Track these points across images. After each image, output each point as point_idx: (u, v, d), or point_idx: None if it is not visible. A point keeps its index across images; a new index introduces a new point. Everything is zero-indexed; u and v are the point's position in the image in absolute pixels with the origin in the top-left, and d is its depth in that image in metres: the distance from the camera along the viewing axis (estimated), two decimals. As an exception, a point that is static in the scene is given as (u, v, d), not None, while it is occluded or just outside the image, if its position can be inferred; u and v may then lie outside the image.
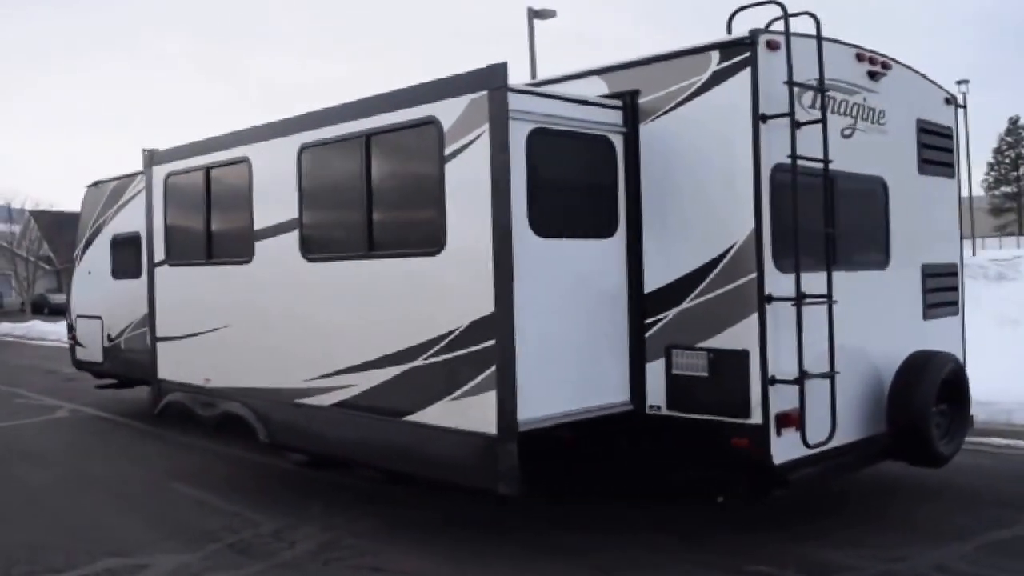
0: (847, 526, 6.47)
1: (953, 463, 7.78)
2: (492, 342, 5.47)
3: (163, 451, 9.95)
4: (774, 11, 5.85)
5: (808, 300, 5.77)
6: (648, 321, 6.15)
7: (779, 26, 5.77)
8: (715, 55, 5.76)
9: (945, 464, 6.68)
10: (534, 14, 23.22)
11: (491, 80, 5.43)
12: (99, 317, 12.30)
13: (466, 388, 5.65)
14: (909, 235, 7.02)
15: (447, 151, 5.69)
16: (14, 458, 9.84)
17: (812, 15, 5.85)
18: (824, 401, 5.84)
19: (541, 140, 5.71)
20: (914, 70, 7.26)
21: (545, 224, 5.74)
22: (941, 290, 7.45)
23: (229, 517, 7.16)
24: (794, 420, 5.67)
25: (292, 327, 7.07)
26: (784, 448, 5.64)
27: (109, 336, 12.08)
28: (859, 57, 6.54)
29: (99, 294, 12.31)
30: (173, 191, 8.39)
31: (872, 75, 6.62)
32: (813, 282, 5.82)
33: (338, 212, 6.66)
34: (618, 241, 6.17)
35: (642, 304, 6.17)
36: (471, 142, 5.54)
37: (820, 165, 5.88)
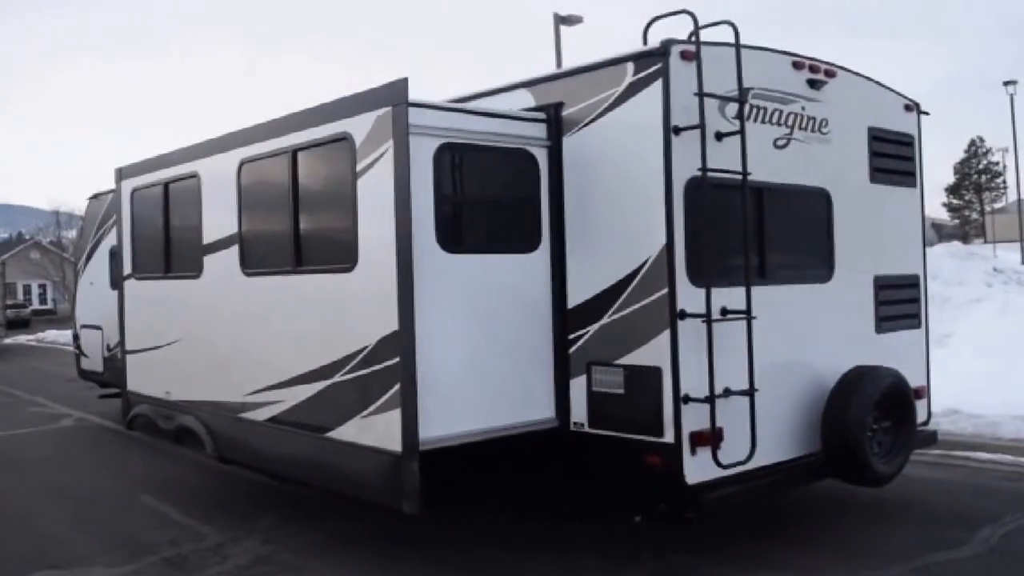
0: (787, 546, 6.32)
1: (922, 479, 7.58)
2: (397, 359, 5.44)
3: (145, 461, 10.10)
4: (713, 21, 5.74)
5: (729, 316, 5.65)
6: (572, 337, 6.06)
7: (714, 35, 5.67)
8: (630, 66, 5.67)
9: (886, 482, 6.47)
10: (560, 20, 23.17)
11: (393, 96, 5.41)
12: (99, 327, 12.58)
13: (376, 405, 5.63)
14: (858, 246, 6.81)
15: (359, 167, 5.69)
16: (15, 464, 10.10)
17: (731, 24, 5.71)
18: (745, 419, 5.70)
19: (451, 155, 5.68)
20: (866, 77, 7.06)
21: (456, 240, 5.70)
22: (898, 302, 7.21)
23: (180, 530, 7.25)
24: (709, 439, 5.53)
25: (235, 342, 7.14)
26: (698, 468, 5.50)
27: (108, 346, 12.34)
28: (797, 65, 6.38)
29: (99, 304, 12.57)
30: (138, 205, 8.55)
31: (813, 83, 6.45)
32: (737, 297, 5.70)
33: (271, 227, 6.71)
34: (542, 255, 6.09)
35: (566, 320, 6.09)
36: (378, 158, 5.53)
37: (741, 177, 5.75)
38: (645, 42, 5.69)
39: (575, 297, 6.04)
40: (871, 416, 6.24)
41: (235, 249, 6.99)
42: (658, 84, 5.51)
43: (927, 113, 7.60)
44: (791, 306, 6.25)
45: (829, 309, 6.56)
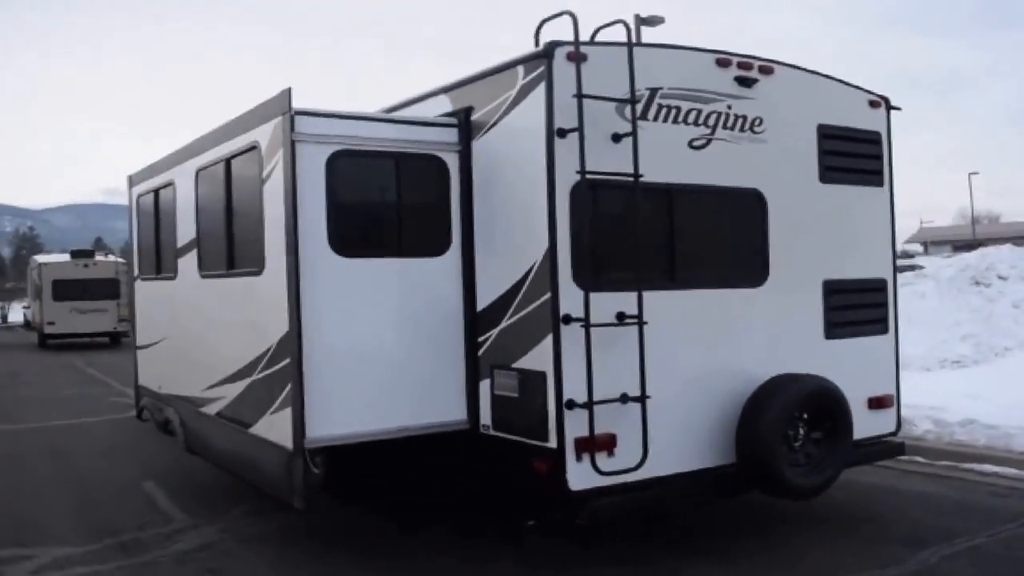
0: (723, 562, 6.10)
1: (903, 491, 7.45)
2: (288, 360, 5.65)
3: (174, 452, 10.69)
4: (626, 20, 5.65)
5: (626, 321, 5.56)
6: (480, 340, 6.11)
7: (618, 34, 5.59)
8: (521, 69, 5.66)
9: (809, 496, 6.21)
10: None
11: (282, 106, 5.62)
12: None
13: (277, 403, 5.86)
14: (802, 249, 6.54)
15: (263, 174, 5.93)
16: (44, 454, 10.91)
17: (624, 23, 5.61)
18: (640, 427, 5.59)
19: (346, 162, 5.81)
20: (817, 73, 6.76)
21: (352, 244, 5.83)
22: (856, 307, 6.87)
23: (155, 516, 7.67)
24: (599, 445, 5.46)
25: (196, 339, 7.54)
26: (584, 474, 5.44)
27: None
28: (722, 63, 6.18)
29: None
30: (140, 210, 9.12)
31: (743, 81, 6.24)
32: (634, 301, 5.60)
33: (215, 231, 7.04)
34: (452, 259, 6.15)
35: (476, 323, 6.13)
36: (275, 166, 5.75)
37: (649, 181, 5.64)
38: (537, 44, 5.66)
39: (483, 300, 6.08)
40: (788, 426, 5.99)
41: (195, 252, 7.38)
42: (542, 87, 5.49)
43: (898, 108, 7.19)
44: (708, 311, 6.07)
45: (760, 314, 6.33)
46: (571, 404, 5.41)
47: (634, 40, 5.86)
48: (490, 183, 5.99)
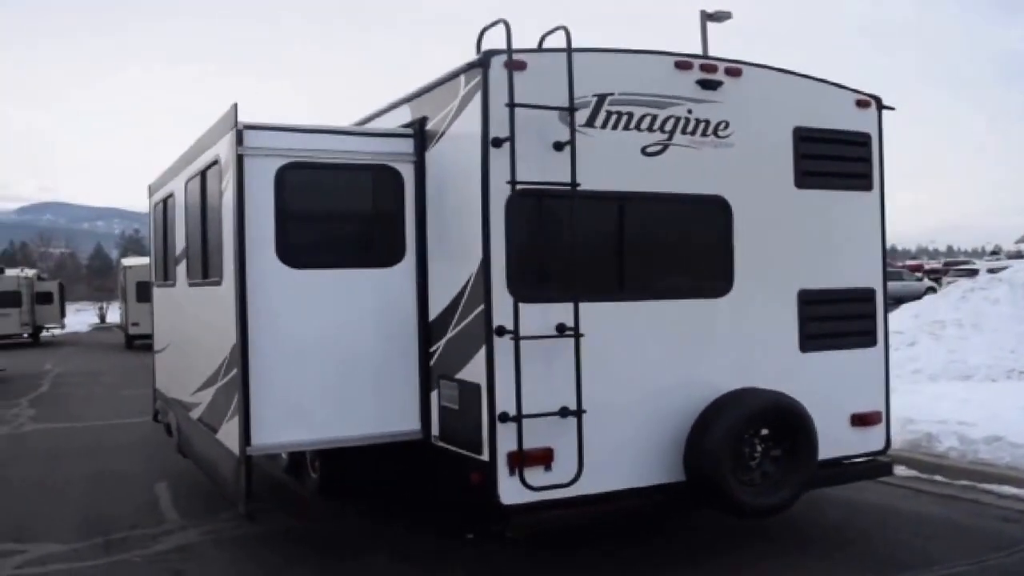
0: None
1: (905, 512, 7.23)
2: (237, 369, 5.76)
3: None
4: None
5: (567, 333, 5.46)
6: (432, 350, 6.09)
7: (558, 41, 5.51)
8: (463, 79, 5.63)
9: (763, 516, 5.96)
10: (708, 17, 22.51)
11: (231, 121, 5.73)
12: None
13: (231, 410, 5.98)
14: (774, 257, 6.29)
15: (222, 186, 6.06)
16: (82, 451, 11.38)
17: (565, 29, 5.50)
18: (590, 441, 5.47)
19: (296, 174, 5.89)
20: (795, 73, 6.48)
21: (302, 256, 5.91)
22: (838, 319, 6.56)
23: (150, 515, 7.91)
24: (533, 459, 5.37)
25: (186, 345, 7.77)
26: (516, 489, 5.36)
27: None
28: (682, 66, 6.00)
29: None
30: (155, 218, 9.45)
31: (706, 84, 6.04)
32: (583, 313, 5.48)
33: (196, 241, 7.23)
34: (406, 269, 6.16)
35: (429, 333, 6.12)
36: (229, 179, 5.87)
37: (586, 189, 5.52)
38: (478, 51, 5.60)
39: (434, 310, 6.07)
40: (741, 443, 5.76)
41: (185, 261, 7.61)
42: (479, 96, 5.43)
43: (891, 108, 6.83)
44: (663, 323, 5.89)
45: (724, 326, 6.10)
46: (504, 417, 5.33)
47: (597, 45, 5.77)
48: (440, 193, 5.98)
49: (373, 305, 6.09)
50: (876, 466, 6.72)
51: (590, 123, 5.65)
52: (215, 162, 6.25)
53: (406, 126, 6.26)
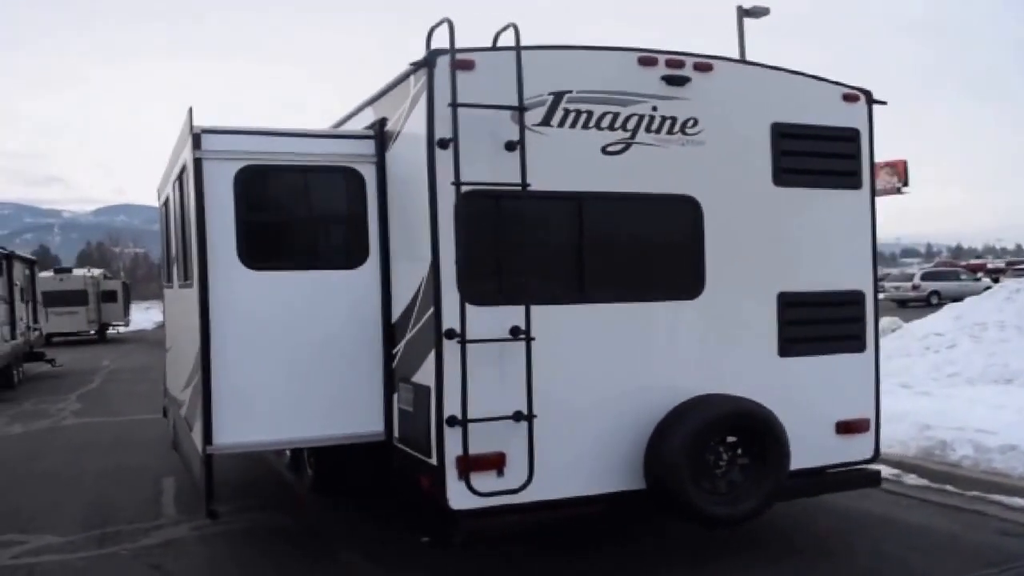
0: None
1: (898, 522, 7.01)
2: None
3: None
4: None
5: (520, 336, 5.37)
6: (394, 351, 6.06)
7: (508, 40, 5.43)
8: (412, 79, 5.58)
9: (727, 525, 5.76)
10: (744, 13, 22.10)
11: (189, 126, 5.78)
12: None
13: (199, 409, 6.05)
14: (750, 259, 6.08)
15: (188, 190, 6.13)
16: (106, 445, 11.70)
17: (514, 27, 5.40)
18: (541, 446, 5.37)
19: (256, 177, 5.92)
20: (773, 67, 6.26)
21: (262, 257, 5.93)
22: (821, 322, 6.32)
23: (149, 510, 8.07)
24: (483, 464, 5.29)
25: (178, 344, 7.90)
26: (465, 494, 5.29)
27: None
28: (646, 62, 5.83)
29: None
30: (160, 220, 9.62)
31: (672, 80, 5.87)
32: (537, 316, 5.38)
33: (179, 244, 7.34)
34: (369, 270, 6.14)
35: (391, 335, 6.09)
36: (192, 182, 5.93)
37: (540, 190, 5.43)
38: (427, 51, 5.52)
39: (395, 312, 6.04)
40: (704, 450, 5.59)
41: (175, 263, 7.74)
42: (425, 96, 5.38)
43: (882, 102, 6.55)
44: (626, 326, 5.74)
45: (693, 329, 5.93)
46: (452, 421, 5.27)
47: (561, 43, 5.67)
48: (397, 194, 5.96)
49: (337, 307, 6.08)
50: (863, 475, 6.45)
51: (546, 122, 5.54)
52: (185, 166, 6.33)
53: (369, 127, 6.24)
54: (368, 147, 6.13)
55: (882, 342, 17.49)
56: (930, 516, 7.30)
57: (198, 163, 5.73)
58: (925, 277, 41.10)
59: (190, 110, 5.74)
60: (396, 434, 6.02)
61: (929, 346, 14.90)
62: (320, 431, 6.05)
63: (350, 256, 6.12)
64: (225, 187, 5.81)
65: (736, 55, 21.66)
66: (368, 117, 6.37)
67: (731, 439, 5.72)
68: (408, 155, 5.69)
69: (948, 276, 41.70)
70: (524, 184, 5.33)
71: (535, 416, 5.33)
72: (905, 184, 71.25)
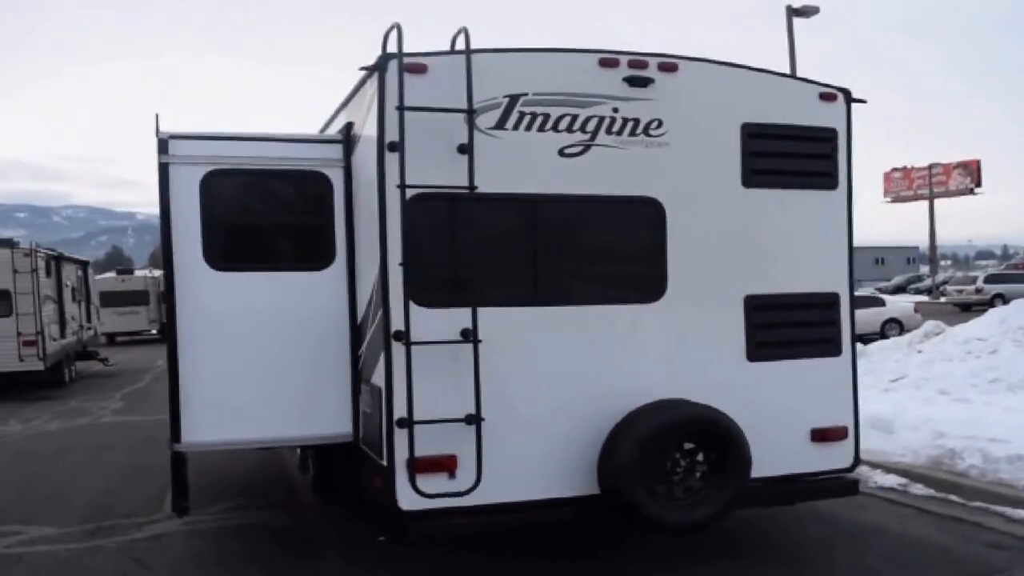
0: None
1: (884, 532, 6.89)
2: (170, 368, 5.99)
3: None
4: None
5: (471, 339, 5.38)
6: (359, 353, 6.13)
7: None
8: (368, 83, 5.64)
9: (684, 533, 5.70)
10: (794, 12, 21.72)
11: (156, 132, 5.94)
12: None
13: (170, 408, 6.20)
14: (717, 261, 5.98)
15: (164, 193, 6.27)
16: (130, 443, 12.04)
17: (465, 31, 5.41)
18: (493, 448, 5.38)
19: (223, 180, 6.03)
20: (743, 67, 6.15)
21: (227, 258, 6.04)
22: (793, 325, 6.19)
23: (151, 505, 8.26)
24: (431, 465, 5.31)
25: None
26: (414, 494, 5.31)
27: None
28: (607, 63, 5.78)
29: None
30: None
31: (635, 81, 5.81)
32: (488, 318, 5.39)
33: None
34: (336, 272, 6.20)
35: (358, 336, 6.16)
36: (158, 187, 6.08)
37: (493, 192, 5.44)
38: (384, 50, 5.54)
39: (359, 315, 6.10)
40: (659, 456, 5.51)
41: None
42: (376, 100, 5.43)
43: (862, 101, 6.37)
44: (582, 330, 5.69)
45: (654, 333, 5.85)
46: (401, 423, 5.30)
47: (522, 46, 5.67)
48: (357, 197, 6.03)
49: (304, 308, 6.16)
50: (840, 484, 6.28)
51: (500, 125, 5.54)
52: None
53: (341, 131, 6.33)
54: (336, 151, 6.21)
55: (923, 347, 16.97)
56: (924, 527, 7.06)
57: (164, 168, 5.88)
58: (989, 280, 39.56)
59: (156, 116, 5.90)
60: (361, 434, 6.08)
61: (971, 351, 14.39)
62: (288, 431, 6.15)
63: (317, 258, 6.20)
64: (191, 191, 5.95)
65: (786, 54, 21.34)
66: (341, 121, 6.46)
67: (688, 445, 5.63)
68: (367, 158, 5.74)
69: (1014, 279, 40.02)
70: (472, 187, 5.34)
71: (483, 419, 5.32)
72: (978, 184, 68.50)
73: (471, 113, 5.37)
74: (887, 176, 68.54)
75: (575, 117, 5.70)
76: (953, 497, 7.79)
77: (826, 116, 6.27)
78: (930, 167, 62.28)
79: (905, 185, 66.63)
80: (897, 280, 68.37)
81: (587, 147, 5.73)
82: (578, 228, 5.81)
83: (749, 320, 6.04)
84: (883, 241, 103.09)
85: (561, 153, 5.68)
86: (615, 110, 5.77)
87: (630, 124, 5.80)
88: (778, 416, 6.01)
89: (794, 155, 6.18)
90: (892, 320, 26.22)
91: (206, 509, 8.07)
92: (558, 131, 5.67)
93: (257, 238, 6.36)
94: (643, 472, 5.42)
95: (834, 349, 6.26)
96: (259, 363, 6.08)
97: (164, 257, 5.93)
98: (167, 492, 8.74)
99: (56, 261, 20.12)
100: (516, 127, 5.58)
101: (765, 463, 5.89)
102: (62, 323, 19.89)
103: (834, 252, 6.30)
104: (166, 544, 7.12)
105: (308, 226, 6.31)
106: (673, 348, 5.87)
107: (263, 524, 7.65)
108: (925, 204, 61.47)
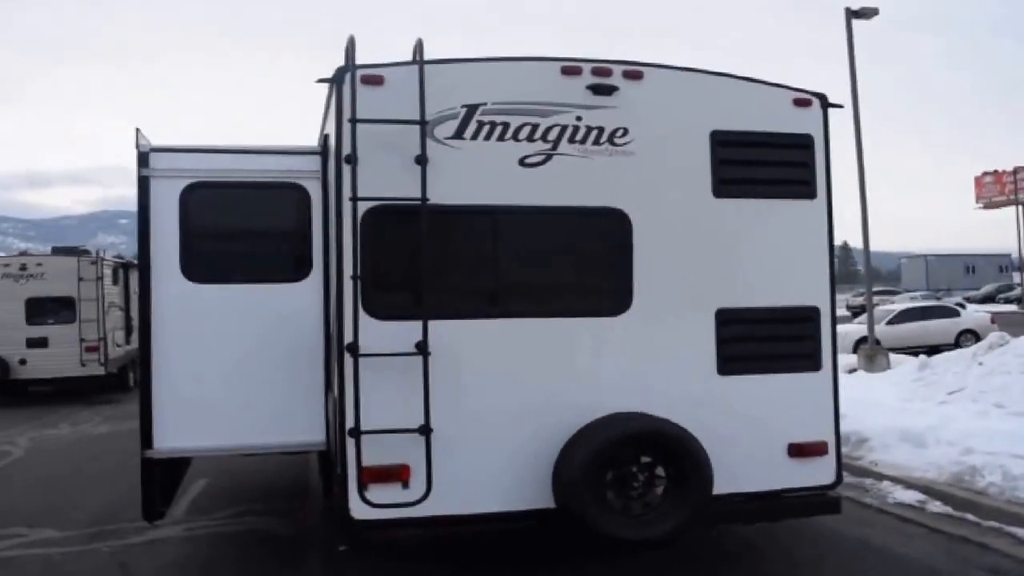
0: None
1: (879, 552, 6.71)
2: (149, 377, 6.17)
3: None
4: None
5: (428, 352, 5.37)
6: (330, 364, 6.19)
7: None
8: (334, 95, 5.71)
9: (643, 548, 5.58)
10: (852, 14, 21.12)
11: (136, 145, 6.14)
12: None
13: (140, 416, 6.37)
14: (685, 273, 5.85)
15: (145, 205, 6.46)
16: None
17: (419, 42, 5.43)
18: (447, 460, 5.38)
19: (202, 193, 6.19)
20: (712, 72, 6.02)
21: (204, 270, 6.19)
22: (767, 340, 6.00)
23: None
24: (381, 475, 5.33)
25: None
26: (364, 504, 5.33)
27: None
28: (569, 71, 5.73)
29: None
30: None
31: (599, 89, 5.74)
32: (442, 330, 5.39)
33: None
34: (313, 284, 6.30)
35: (328, 347, 6.22)
36: (137, 199, 6.27)
37: (450, 203, 5.45)
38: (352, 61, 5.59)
39: (331, 325, 6.16)
40: (607, 471, 5.41)
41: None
42: (334, 112, 5.50)
43: (838, 106, 6.16)
44: (542, 342, 5.62)
45: (619, 346, 5.75)
46: (353, 432, 5.33)
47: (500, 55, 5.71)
48: (329, 209, 6.09)
49: (280, 319, 6.27)
50: (820, 502, 6.05)
51: (458, 135, 5.53)
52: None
53: (320, 142, 6.43)
54: (314, 163, 6.31)
55: (984, 359, 16.22)
56: (922, 548, 6.76)
57: (144, 181, 6.06)
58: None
59: (137, 130, 6.09)
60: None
61: (1014, 368, 13.74)
62: (263, 439, 6.26)
63: (294, 270, 6.31)
64: (171, 204, 6.12)
65: (845, 57, 20.72)
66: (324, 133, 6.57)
67: (645, 459, 5.51)
68: (332, 170, 5.83)
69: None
70: (424, 199, 5.34)
71: (432, 430, 5.31)
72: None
73: (423, 124, 5.37)
74: (978, 181, 66.06)
75: (536, 126, 5.66)
76: (969, 516, 7.43)
77: (801, 122, 6.08)
78: (1015, 171, 59.63)
79: (997, 190, 64.03)
80: (987, 289, 65.59)
81: (549, 156, 5.68)
82: (539, 240, 5.75)
83: (720, 334, 5.88)
84: (976, 248, 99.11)
85: (522, 163, 5.64)
86: (578, 119, 5.71)
87: (594, 133, 5.73)
88: (752, 430, 5.84)
89: (767, 163, 6.00)
90: (968, 331, 25.30)
91: (212, 514, 8.28)
92: (519, 140, 5.64)
93: (235, 251, 6.51)
94: (590, 487, 5.33)
95: (812, 364, 6.05)
96: (235, 373, 6.21)
97: (140, 267, 6.11)
98: (182, 497, 9.06)
99: (124, 268, 20.87)
100: (475, 137, 5.57)
101: (741, 478, 5.76)
102: (128, 329, 20.61)
103: (813, 264, 6.09)
104: (159, 550, 7.26)
105: (286, 238, 6.43)
106: (637, 362, 5.76)
107: (265, 531, 7.73)
108: (1018, 209, 58.92)
